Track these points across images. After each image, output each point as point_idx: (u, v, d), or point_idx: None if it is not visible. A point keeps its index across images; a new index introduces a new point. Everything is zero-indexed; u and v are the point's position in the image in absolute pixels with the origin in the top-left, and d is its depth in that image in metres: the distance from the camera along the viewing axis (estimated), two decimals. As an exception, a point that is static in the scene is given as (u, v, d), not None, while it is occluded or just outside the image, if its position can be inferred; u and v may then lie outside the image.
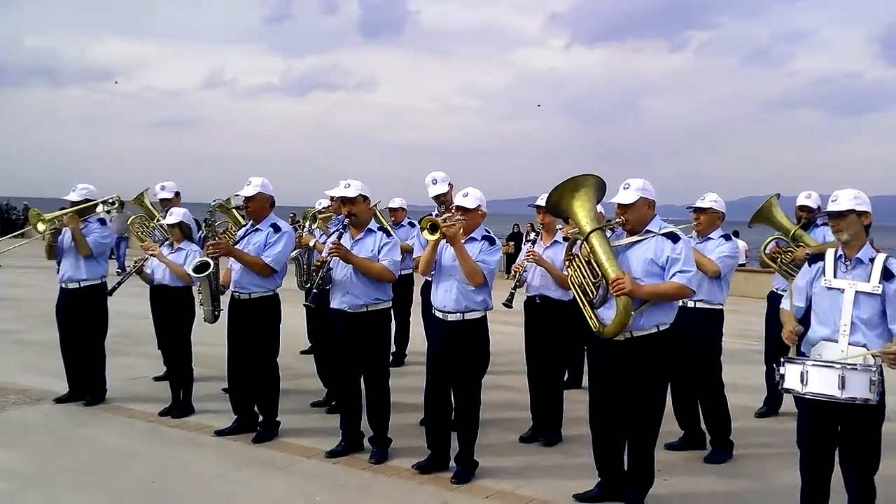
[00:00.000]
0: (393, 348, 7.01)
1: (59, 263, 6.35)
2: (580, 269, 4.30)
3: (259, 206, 5.47)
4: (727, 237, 5.30)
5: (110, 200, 6.57)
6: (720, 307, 5.31)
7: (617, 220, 4.27)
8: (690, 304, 5.14)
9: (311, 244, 6.15)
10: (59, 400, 6.28)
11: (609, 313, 4.17)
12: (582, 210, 4.34)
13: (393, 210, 8.12)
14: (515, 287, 5.56)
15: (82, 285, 6.21)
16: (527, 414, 5.77)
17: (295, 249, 6.14)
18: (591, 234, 4.22)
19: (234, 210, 6.94)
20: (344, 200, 5.09)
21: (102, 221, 6.35)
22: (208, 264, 5.45)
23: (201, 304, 5.65)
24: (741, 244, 14.40)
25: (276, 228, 5.45)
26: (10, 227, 22.35)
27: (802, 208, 6.25)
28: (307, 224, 6.99)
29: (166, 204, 6.85)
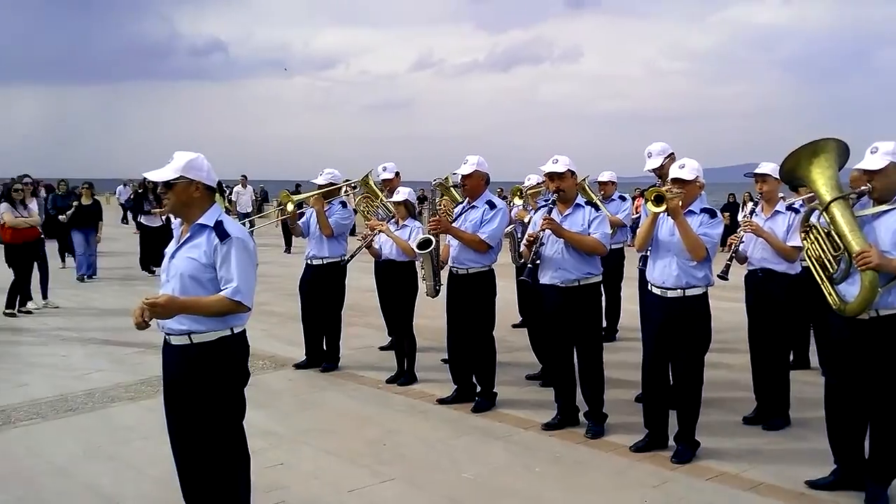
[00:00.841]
0: (604, 323, 6.98)
1: (288, 242, 7.02)
2: (818, 241, 4.02)
3: (476, 184, 5.66)
4: None
5: (352, 185, 7.13)
6: None
7: (863, 187, 3.92)
8: None
9: (527, 220, 6.24)
10: (298, 366, 6.92)
11: (851, 289, 3.86)
12: (821, 177, 4.03)
13: (602, 184, 8.00)
14: (731, 259, 5.30)
15: (325, 262, 6.79)
16: (750, 394, 5.52)
17: (509, 225, 6.28)
18: (832, 204, 3.92)
19: (451, 188, 7.23)
20: (552, 176, 5.11)
21: (344, 204, 6.92)
22: (430, 241, 5.74)
23: (423, 279, 5.98)
24: None
25: (492, 205, 5.61)
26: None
27: None
28: (513, 199, 7.10)
29: (388, 184, 7.27)
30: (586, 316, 5.14)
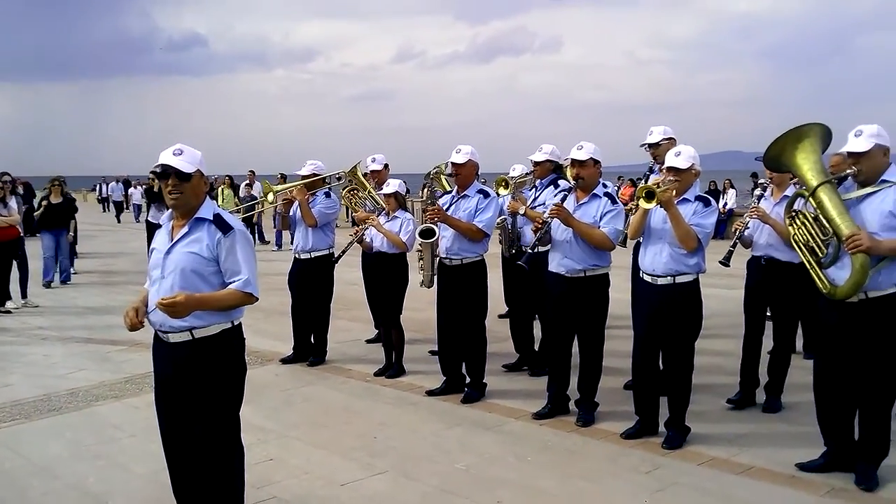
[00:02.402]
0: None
1: (292, 234, 6.97)
2: (806, 226, 4.04)
3: (469, 173, 5.64)
4: None
5: (337, 176, 7.07)
6: None
7: (848, 170, 3.93)
8: None
9: (521, 211, 6.20)
10: (285, 360, 6.86)
11: (841, 273, 3.89)
12: (807, 162, 4.05)
13: None
14: (734, 246, 5.28)
15: (313, 255, 6.72)
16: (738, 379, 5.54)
17: (500, 216, 6.25)
18: (819, 188, 3.94)
19: (441, 178, 7.20)
20: (574, 162, 5.04)
21: (328, 194, 6.85)
22: (433, 231, 5.62)
23: (421, 270, 5.88)
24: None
25: (485, 194, 5.59)
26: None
27: None
28: (497, 190, 7.05)
29: (376, 175, 7.21)
30: (590, 306, 5.07)
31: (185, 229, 3.25)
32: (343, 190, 7.45)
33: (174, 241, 3.26)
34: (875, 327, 3.88)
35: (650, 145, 5.79)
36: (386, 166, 7.29)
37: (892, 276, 3.85)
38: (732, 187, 19.43)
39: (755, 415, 5.28)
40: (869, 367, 3.94)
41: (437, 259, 5.81)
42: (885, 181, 3.90)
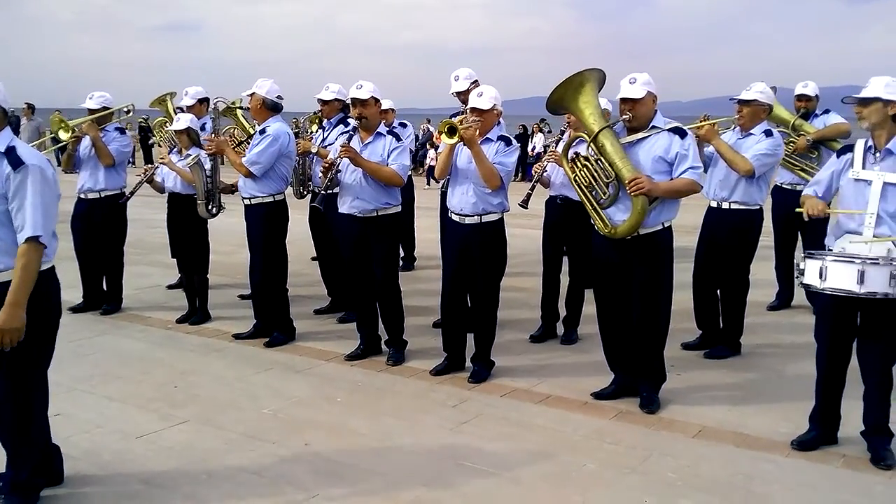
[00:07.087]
0: (401, 253, 6.99)
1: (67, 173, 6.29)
2: (587, 168, 4.23)
3: (253, 108, 5.42)
4: (769, 133, 5.04)
5: (125, 109, 6.46)
6: (757, 208, 5.13)
7: (623, 116, 4.14)
8: (725, 205, 5.08)
9: (314, 151, 6.01)
10: (75, 309, 6.31)
11: (618, 214, 4.15)
12: (588, 107, 4.24)
13: (383, 111, 7.92)
14: (533, 188, 5.47)
15: (102, 195, 6.20)
16: (539, 313, 5.80)
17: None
18: (601, 133, 4.14)
19: (241, 117, 6.80)
20: (355, 102, 4.97)
21: (122, 130, 6.30)
22: (196, 157, 5.37)
23: (197, 199, 5.56)
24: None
25: (262, 131, 5.38)
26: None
27: (801, 97, 6.28)
28: (313, 129, 6.81)
29: (191, 111, 6.69)
30: (383, 245, 5.08)
31: None
32: (154, 121, 6.88)
33: None
34: (645, 261, 4.20)
35: (459, 93, 5.78)
36: (203, 101, 6.75)
37: (660, 216, 4.18)
38: (541, 131, 20.27)
39: (554, 347, 5.57)
40: (642, 298, 4.25)
41: (220, 190, 5.59)
42: (654, 127, 4.17)
